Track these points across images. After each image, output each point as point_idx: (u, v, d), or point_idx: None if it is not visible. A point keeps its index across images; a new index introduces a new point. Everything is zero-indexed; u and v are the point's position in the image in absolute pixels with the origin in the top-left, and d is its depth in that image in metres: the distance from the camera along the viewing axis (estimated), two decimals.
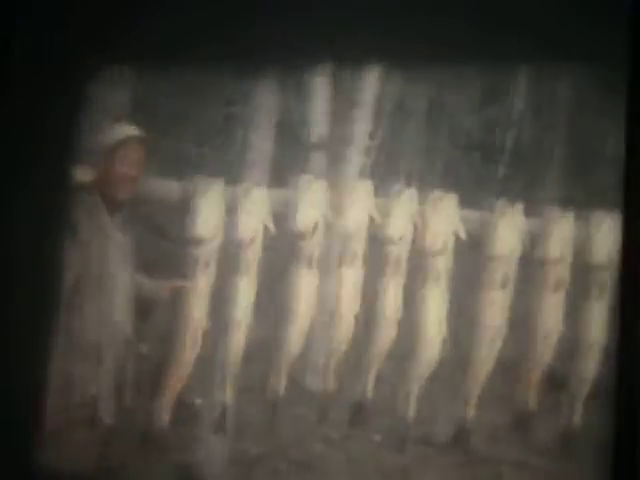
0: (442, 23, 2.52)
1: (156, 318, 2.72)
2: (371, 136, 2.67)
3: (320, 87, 2.71)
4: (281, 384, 2.62)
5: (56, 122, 2.60)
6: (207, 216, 2.65)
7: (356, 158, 2.67)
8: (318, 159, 2.70)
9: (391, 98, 2.67)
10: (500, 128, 2.60)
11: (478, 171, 2.57)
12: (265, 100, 2.70)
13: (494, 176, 2.55)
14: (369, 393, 2.54)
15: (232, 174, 2.70)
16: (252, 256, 2.64)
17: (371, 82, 2.67)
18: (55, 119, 2.60)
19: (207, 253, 2.66)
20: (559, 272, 2.39)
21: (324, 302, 2.61)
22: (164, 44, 2.60)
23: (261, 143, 2.70)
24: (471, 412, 2.45)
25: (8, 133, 2.56)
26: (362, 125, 2.68)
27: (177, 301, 2.67)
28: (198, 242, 2.66)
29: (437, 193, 2.52)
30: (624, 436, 2.22)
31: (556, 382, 2.36)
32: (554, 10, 2.49)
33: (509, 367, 2.43)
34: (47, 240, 2.57)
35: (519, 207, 2.46)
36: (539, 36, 2.52)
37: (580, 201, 2.47)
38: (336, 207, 2.61)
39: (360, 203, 2.58)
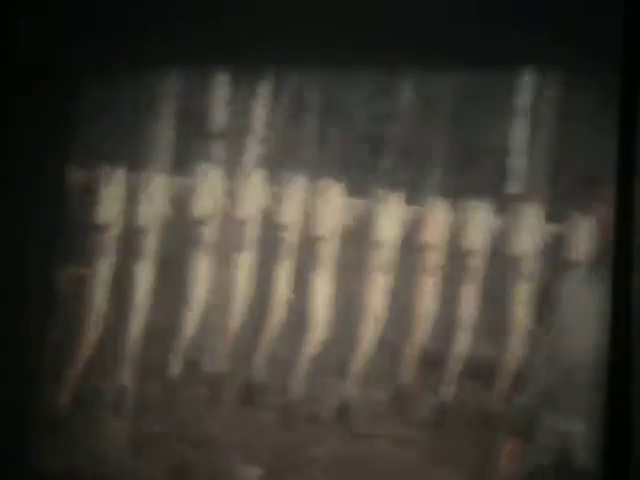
0: (335, 22, 2.66)
1: (59, 304, 2.81)
2: (268, 127, 2.79)
3: (221, 78, 2.83)
4: (178, 366, 2.72)
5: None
6: (109, 203, 2.75)
7: (254, 148, 2.79)
8: (218, 148, 2.81)
9: (288, 91, 2.79)
10: (388, 121, 2.74)
11: (366, 161, 2.71)
12: (167, 90, 2.82)
13: (380, 166, 2.69)
14: (260, 374, 2.65)
15: (134, 162, 2.81)
16: (151, 243, 2.74)
17: (270, 76, 2.79)
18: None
19: (109, 240, 2.76)
20: (436, 257, 2.52)
21: (220, 287, 2.72)
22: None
23: (163, 132, 2.81)
24: (355, 390, 2.57)
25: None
26: (260, 116, 2.80)
27: (79, 287, 2.76)
28: (100, 229, 2.76)
29: (326, 182, 2.64)
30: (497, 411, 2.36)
31: (432, 360, 2.49)
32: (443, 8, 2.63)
33: (390, 347, 2.55)
34: None
35: (401, 196, 2.58)
36: (425, 36, 2.67)
37: (458, 191, 2.61)
38: (232, 195, 2.73)
39: (255, 191, 2.70)
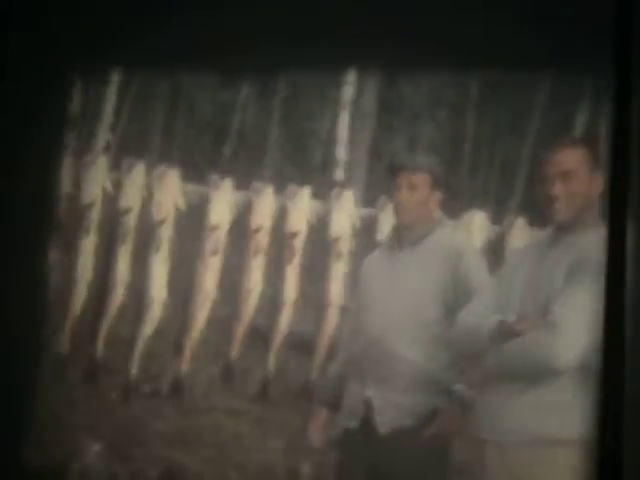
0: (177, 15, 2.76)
1: None
2: (116, 114, 2.91)
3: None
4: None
5: None
6: None
7: (102, 134, 2.91)
8: (71, 136, 2.92)
9: (137, 82, 2.92)
10: (229, 111, 2.89)
11: (205, 149, 2.85)
12: None
13: (218, 153, 2.84)
14: (100, 354, 2.78)
15: None
16: None
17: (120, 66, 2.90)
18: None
19: None
20: (263, 240, 2.68)
21: (62, 270, 2.84)
22: None
23: None
24: (188, 366, 2.71)
25: None
26: (110, 104, 2.92)
27: None
28: None
29: (162, 168, 2.78)
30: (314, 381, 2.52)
31: (259, 336, 2.65)
32: None
33: (221, 325, 2.71)
34: None
35: (230, 182, 2.73)
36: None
37: (289, 177, 2.77)
38: (76, 181, 2.85)
39: (97, 177, 2.82)
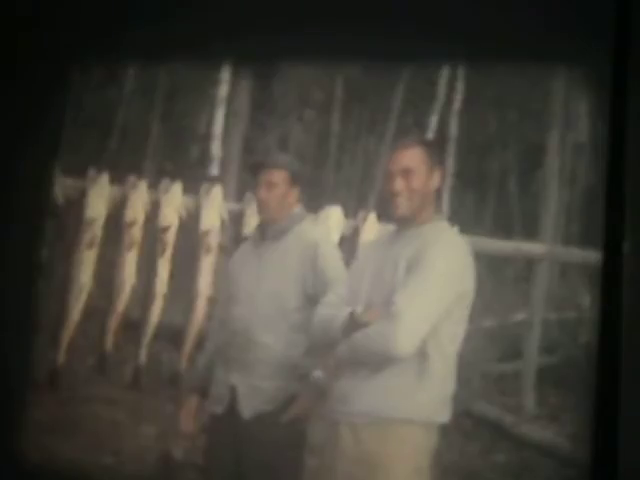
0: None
1: None
2: None
3: None
4: None
5: None
6: None
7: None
8: None
9: None
10: (115, 107, 2.94)
11: (85, 142, 2.91)
12: None
13: (93, 147, 2.90)
14: None
15: None
16: None
17: None
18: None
19: None
20: (134, 233, 2.77)
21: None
22: None
23: None
24: (64, 357, 2.79)
25: None
26: None
27: None
28: None
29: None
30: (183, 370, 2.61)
31: (130, 326, 2.74)
32: None
33: (95, 316, 2.78)
34: None
35: (106, 176, 2.80)
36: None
37: (168, 171, 2.86)
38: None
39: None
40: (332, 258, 2.38)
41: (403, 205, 2.13)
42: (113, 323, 2.69)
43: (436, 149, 2.16)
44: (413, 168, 2.13)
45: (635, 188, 2.01)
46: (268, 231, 2.42)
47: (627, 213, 2.02)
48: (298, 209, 2.42)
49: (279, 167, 2.38)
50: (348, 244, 2.50)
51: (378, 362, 2.08)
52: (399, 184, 2.11)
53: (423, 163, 2.14)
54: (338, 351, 2.16)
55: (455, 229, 2.11)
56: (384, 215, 2.36)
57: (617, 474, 1.93)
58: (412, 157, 2.14)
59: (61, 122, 2.59)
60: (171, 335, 2.63)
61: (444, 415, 2.06)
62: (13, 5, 2.60)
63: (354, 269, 2.26)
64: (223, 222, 2.62)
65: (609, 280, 2.03)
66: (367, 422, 2.09)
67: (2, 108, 2.54)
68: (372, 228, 2.59)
